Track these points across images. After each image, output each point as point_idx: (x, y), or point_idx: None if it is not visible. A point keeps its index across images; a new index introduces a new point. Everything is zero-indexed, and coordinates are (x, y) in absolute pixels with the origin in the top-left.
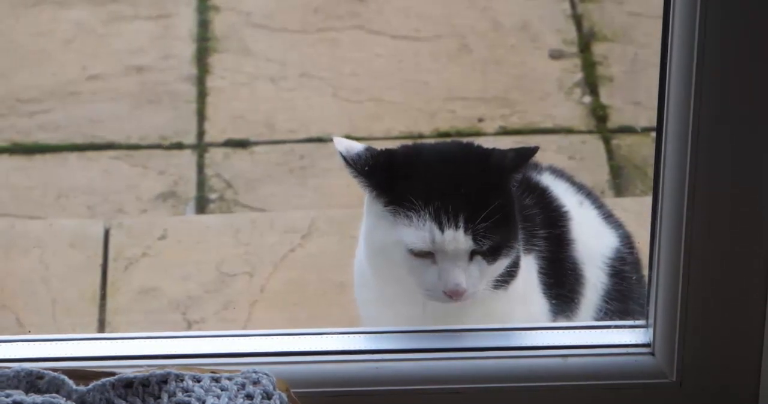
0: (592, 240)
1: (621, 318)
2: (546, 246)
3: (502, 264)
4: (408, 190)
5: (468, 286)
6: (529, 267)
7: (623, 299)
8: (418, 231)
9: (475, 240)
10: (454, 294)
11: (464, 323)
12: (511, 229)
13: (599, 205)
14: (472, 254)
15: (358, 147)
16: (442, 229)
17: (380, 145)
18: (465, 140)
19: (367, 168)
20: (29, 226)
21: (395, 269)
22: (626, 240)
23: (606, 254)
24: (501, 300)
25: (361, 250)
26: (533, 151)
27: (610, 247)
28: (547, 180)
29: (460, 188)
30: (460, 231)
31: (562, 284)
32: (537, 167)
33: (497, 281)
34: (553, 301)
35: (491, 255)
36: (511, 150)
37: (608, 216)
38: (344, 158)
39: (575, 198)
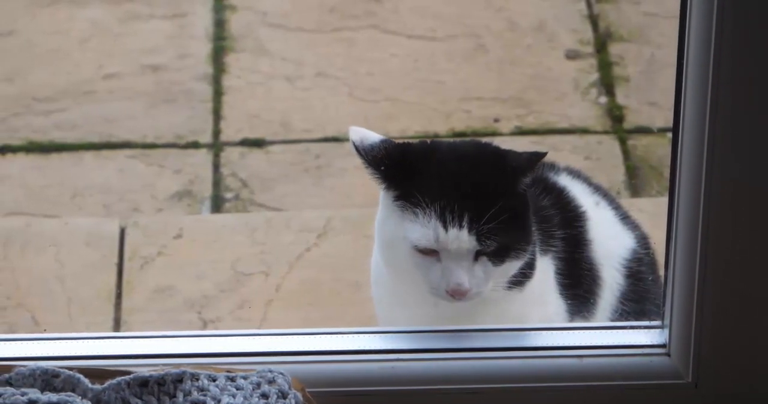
0: (609, 241)
1: (637, 319)
2: (563, 247)
3: (511, 266)
4: (416, 185)
5: (471, 286)
6: (546, 268)
7: (639, 300)
8: (423, 229)
9: (479, 240)
10: (455, 294)
11: (479, 323)
12: (520, 232)
13: (616, 206)
14: (478, 254)
15: (373, 138)
16: (446, 228)
17: None
18: (483, 140)
19: (380, 162)
20: (45, 225)
21: (404, 263)
22: (643, 241)
23: (623, 255)
24: (516, 300)
25: (375, 244)
26: (542, 155)
27: (627, 248)
28: (565, 180)
29: (467, 187)
30: (464, 231)
31: (578, 284)
32: (554, 167)
33: (511, 282)
34: (570, 302)
35: (497, 256)
36: (524, 153)
37: (625, 218)
38: (356, 148)
39: (592, 198)
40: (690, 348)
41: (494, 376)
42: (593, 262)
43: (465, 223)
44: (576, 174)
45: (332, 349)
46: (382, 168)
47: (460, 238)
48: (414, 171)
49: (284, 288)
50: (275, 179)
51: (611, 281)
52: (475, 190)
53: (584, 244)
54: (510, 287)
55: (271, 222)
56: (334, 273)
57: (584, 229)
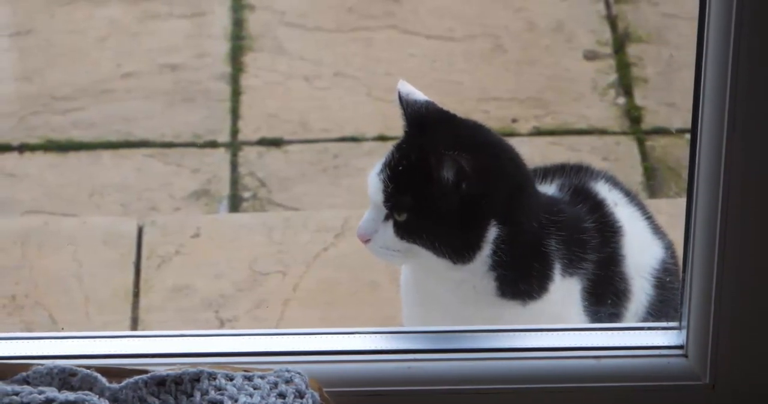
0: (642, 254)
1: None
2: (594, 268)
3: (424, 255)
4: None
5: (364, 233)
6: (569, 288)
7: (664, 307)
8: (375, 167)
9: (385, 198)
10: (357, 235)
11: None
12: (430, 224)
13: (648, 216)
14: (388, 216)
15: (419, 96)
16: (376, 174)
17: None
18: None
19: (408, 115)
20: (63, 224)
21: None
22: (670, 250)
23: (653, 266)
24: (529, 315)
25: None
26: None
27: (657, 259)
28: (603, 190)
29: (411, 152)
30: (380, 184)
31: (607, 300)
32: (592, 173)
33: (501, 288)
34: (596, 316)
35: (400, 229)
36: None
37: (655, 227)
38: (400, 97)
39: (627, 209)
40: (707, 349)
41: (510, 377)
42: (625, 277)
43: (382, 176)
44: (612, 181)
45: (349, 349)
46: (406, 117)
47: (373, 186)
48: (411, 121)
49: (301, 287)
50: (293, 179)
51: (640, 293)
52: (414, 158)
53: (618, 260)
54: (504, 294)
55: (289, 221)
56: (352, 273)
57: (619, 245)
